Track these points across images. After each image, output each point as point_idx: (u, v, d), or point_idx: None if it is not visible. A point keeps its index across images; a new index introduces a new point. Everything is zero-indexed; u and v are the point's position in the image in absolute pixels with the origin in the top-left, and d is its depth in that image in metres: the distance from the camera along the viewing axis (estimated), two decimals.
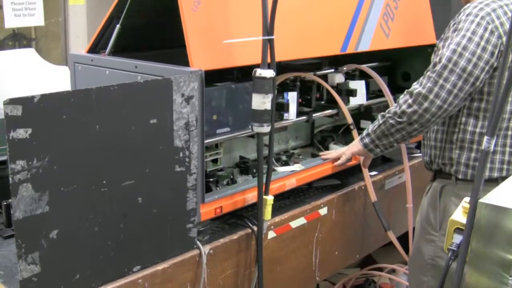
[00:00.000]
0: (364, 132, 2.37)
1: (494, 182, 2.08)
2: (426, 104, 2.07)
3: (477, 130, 2.19)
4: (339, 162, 2.51)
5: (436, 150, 2.31)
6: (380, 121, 2.26)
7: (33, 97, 1.49)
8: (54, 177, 1.57)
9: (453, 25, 2.16)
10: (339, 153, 2.53)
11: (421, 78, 2.12)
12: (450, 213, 2.23)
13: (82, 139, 1.62)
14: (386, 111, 2.25)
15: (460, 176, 2.24)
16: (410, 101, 2.12)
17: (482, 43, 2.04)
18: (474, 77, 2.04)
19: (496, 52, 2.06)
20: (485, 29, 2.05)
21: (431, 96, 2.06)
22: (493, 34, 2.05)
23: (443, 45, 2.14)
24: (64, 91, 1.57)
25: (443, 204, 2.30)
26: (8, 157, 1.48)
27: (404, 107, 2.14)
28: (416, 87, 2.12)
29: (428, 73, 2.10)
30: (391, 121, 2.21)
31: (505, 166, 2.20)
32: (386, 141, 2.29)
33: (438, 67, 2.06)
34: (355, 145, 2.43)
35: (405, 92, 2.17)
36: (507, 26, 2.06)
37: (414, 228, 2.63)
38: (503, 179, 2.12)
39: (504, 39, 2.05)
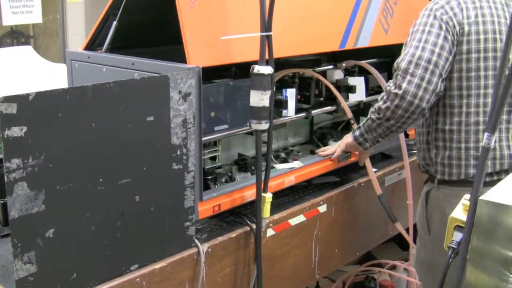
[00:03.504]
0: (356, 126, 2.45)
1: (487, 176, 2.14)
2: (397, 101, 2.10)
3: (447, 127, 2.21)
4: (335, 154, 2.56)
5: (420, 152, 2.37)
6: (368, 116, 2.31)
7: (28, 94, 1.48)
8: (50, 176, 1.55)
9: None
10: (335, 147, 2.57)
11: (393, 76, 2.16)
12: (434, 218, 2.29)
13: (78, 137, 1.61)
14: (374, 105, 2.29)
15: (439, 177, 2.26)
16: (384, 97, 2.16)
17: (442, 33, 2.09)
18: (440, 67, 2.07)
19: (454, 41, 2.12)
20: (441, 19, 2.11)
21: (401, 92, 2.08)
22: (448, 24, 2.11)
23: (405, 42, 2.21)
24: (59, 89, 1.56)
25: (429, 209, 2.34)
26: (3, 156, 1.47)
27: (380, 103, 2.19)
28: (389, 84, 2.16)
29: (396, 71, 2.13)
30: (373, 116, 2.26)
31: (497, 161, 2.21)
32: (371, 135, 2.33)
33: (403, 64, 2.09)
34: (348, 136, 2.49)
35: (384, 88, 2.22)
36: (460, 16, 2.12)
37: (415, 225, 2.63)
38: (497, 174, 2.20)
39: (458, 28, 2.11)
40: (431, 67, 2.06)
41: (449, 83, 2.16)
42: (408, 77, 2.06)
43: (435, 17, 2.12)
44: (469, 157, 2.18)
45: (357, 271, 3.38)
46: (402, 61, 2.11)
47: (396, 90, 2.09)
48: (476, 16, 2.13)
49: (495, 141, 2.13)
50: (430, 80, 2.06)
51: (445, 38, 2.09)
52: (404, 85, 2.07)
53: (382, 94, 2.19)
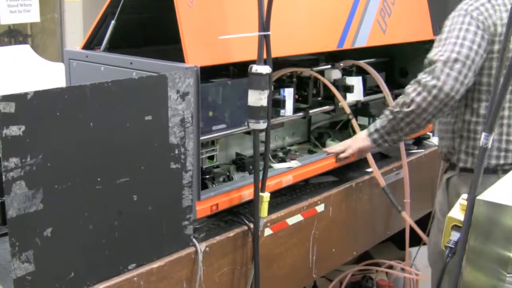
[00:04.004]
0: (371, 128, 2.44)
1: (491, 171, 2.32)
2: (435, 91, 2.18)
3: (473, 119, 2.36)
4: (344, 154, 2.54)
5: (443, 141, 2.51)
6: (390, 116, 2.35)
7: (26, 93, 1.47)
8: (48, 175, 1.55)
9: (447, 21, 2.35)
10: (345, 147, 2.55)
11: (427, 69, 2.25)
12: (454, 204, 2.32)
13: (76, 136, 1.60)
14: (394, 104, 2.35)
15: (461, 165, 2.40)
16: (419, 89, 2.22)
17: (479, 32, 2.23)
18: (475, 63, 2.20)
19: (489, 40, 2.25)
20: (478, 20, 2.24)
21: (440, 84, 2.17)
22: (484, 24, 2.24)
23: (439, 38, 2.31)
24: (57, 88, 1.56)
25: (450, 195, 2.46)
26: (1, 155, 1.46)
27: (413, 95, 2.24)
28: (424, 76, 2.23)
29: (434, 65, 2.22)
30: (400, 115, 2.29)
31: (502, 154, 2.34)
32: (396, 136, 2.38)
33: (443, 58, 2.20)
34: (363, 140, 2.48)
35: (412, 82, 2.28)
36: (494, 17, 2.26)
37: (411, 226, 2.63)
38: (501, 167, 2.35)
39: (492, 29, 2.25)
40: (468, 62, 2.18)
41: (479, 78, 2.29)
42: (447, 70, 2.17)
43: (471, 17, 2.25)
44: (492, 147, 2.32)
45: (354, 270, 3.37)
46: (440, 55, 2.21)
47: (434, 82, 2.18)
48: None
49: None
50: (467, 75, 2.18)
51: (482, 37, 2.22)
52: (442, 77, 2.17)
53: (413, 87, 2.25)
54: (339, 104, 2.70)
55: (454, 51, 2.19)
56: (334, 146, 2.61)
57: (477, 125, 2.35)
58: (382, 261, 3.42)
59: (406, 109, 2.26)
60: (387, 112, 2.37)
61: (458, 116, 2.39)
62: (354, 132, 2.74)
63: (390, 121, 2.34)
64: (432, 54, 2.26)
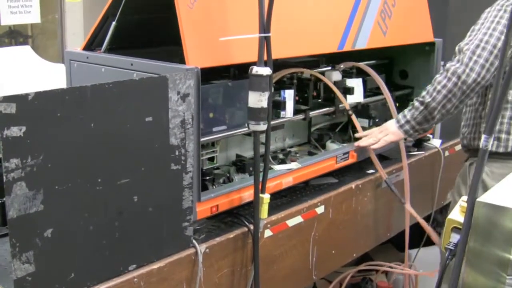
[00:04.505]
0: (402, 120, 2.57)
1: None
2: (463, 77, 2.34)
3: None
4: (376, 146, 2.64)
5: (468, 128, 2.65)
6: (421, 107, 2.49)
7: (27, 94, 1.48)
8: (48, 176, 1.55)
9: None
10: (376, 139, 2.64)
11: (456, 57, 2.41)
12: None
13: (77, 137, 1.61)
14: (424, 95, 2.48)
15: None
16: (449, 75, 2.38)
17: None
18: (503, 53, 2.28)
19: None
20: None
21: (468, 70, 2.33)
22: None
23: (473, 29, 2.46)
24: (58, 89, 1.56)
25: (471, 179, 2.51)
26: (2, 155, 1.47)
27: (444, 81, 2.40)
28: (453, 63, 2.39)
29: (463, 52, 2.37)
30: (433, 104, 2.44)
31: None
32: (427, 125, 2.54)
33: (472, 46, 2.35)
34: (394, 133, 2.60)
35: (440, 71, 2.46)
36: None
37: (412, 226, 2.63)
38: None
39: None
40: (495, 51, 2.32)
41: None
42: (475, 58, 2.33)
43: (505, 11, 2.38)
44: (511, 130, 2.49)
45: (353, 271, 3.37)
46: (470, 44, 2.36)
47: (463, 67, 2.34)
48: None
49: None
50: (493, 62, 2.32)
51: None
52: (471, 64, 2.33)
53: (442, 76, 2.41)
54: (340, 105, 2.70)
55: (483, 40, 2.34)
56: (364, 140, 2.68)
57: (506, 110, 2.49)
58: (381, 263, 3.43)
59: (437, 96, 2.41)
60: (416, 103, 2.50)
61: (485, 102, 2.55)
62: (355, 131, 2.75)
63: (421, 111, 2.48)
64: (464, 43, 2.40)
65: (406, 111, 2.57)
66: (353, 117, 2.70)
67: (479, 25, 2.44)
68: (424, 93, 2.49)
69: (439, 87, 2.41)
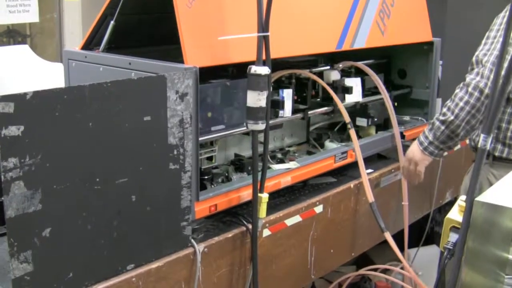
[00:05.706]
0: (425, 142, 2.52)
1: None
2: (486, 91, 2.26)
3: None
4: (421, 178, 2.67)
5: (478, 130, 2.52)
6: (442, 127, 2.43)
7: (25, 94, 1.47)
8: (46, 175, 1.55)
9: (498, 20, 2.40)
10: (419, 174, 2.64)
11: (475, 70, 2.33)
12: (484, 191, 2.38)
13: (75, 136, 1.60)
14: (444, 112, 2.42)
15: (497, 154, 2.44)
16: (471, 90, 2.30)
17: None
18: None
19: None
20: None
21: (490, 84, 2.24)
22: None
23: (488, 36, 2.37)
24: (57, 88, 1.56)
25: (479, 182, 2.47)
26: (0, 155, 1.46)
27: (466, 97, 2.32)
28: (472, 77, 2.32)
29: (482, 65, 2.30)
30: (457, 122, 2.37)
31: None
32: (452, 142, 2.47)
33: (492, 58, 2.27)
34: (423, 159, 2.57)
35: (460, 86, 2.36)
36: None
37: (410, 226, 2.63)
38: None
39: None
40: None
41: None
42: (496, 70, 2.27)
43: None
44: None
45: (354, 275, 3.37)
46: (489, 55, 2.29)
47: (485, 81, 2.27)
48: None
49: None
50: None
51: None
52: (492, 77, 2.20)
53: (463, 91, 2.33)
54: (339, 106, 2.69)
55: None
56: (412, 179, 2.70)
57: None
58: (380, 266, 3.43)
59: (460, 113, 2.34)
60: (437, 123, 2.44)
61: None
62: (358, 129, 2.75)
63: (443, 131, 2.43)
64: (482, 53, 2.33)
65: (426, 131, 2.53)
66: (352, 132, 2.65)
67: (494, 32, 2.36)
68: (444, 109, 2.43)
69: (461, 104, 2.34)
